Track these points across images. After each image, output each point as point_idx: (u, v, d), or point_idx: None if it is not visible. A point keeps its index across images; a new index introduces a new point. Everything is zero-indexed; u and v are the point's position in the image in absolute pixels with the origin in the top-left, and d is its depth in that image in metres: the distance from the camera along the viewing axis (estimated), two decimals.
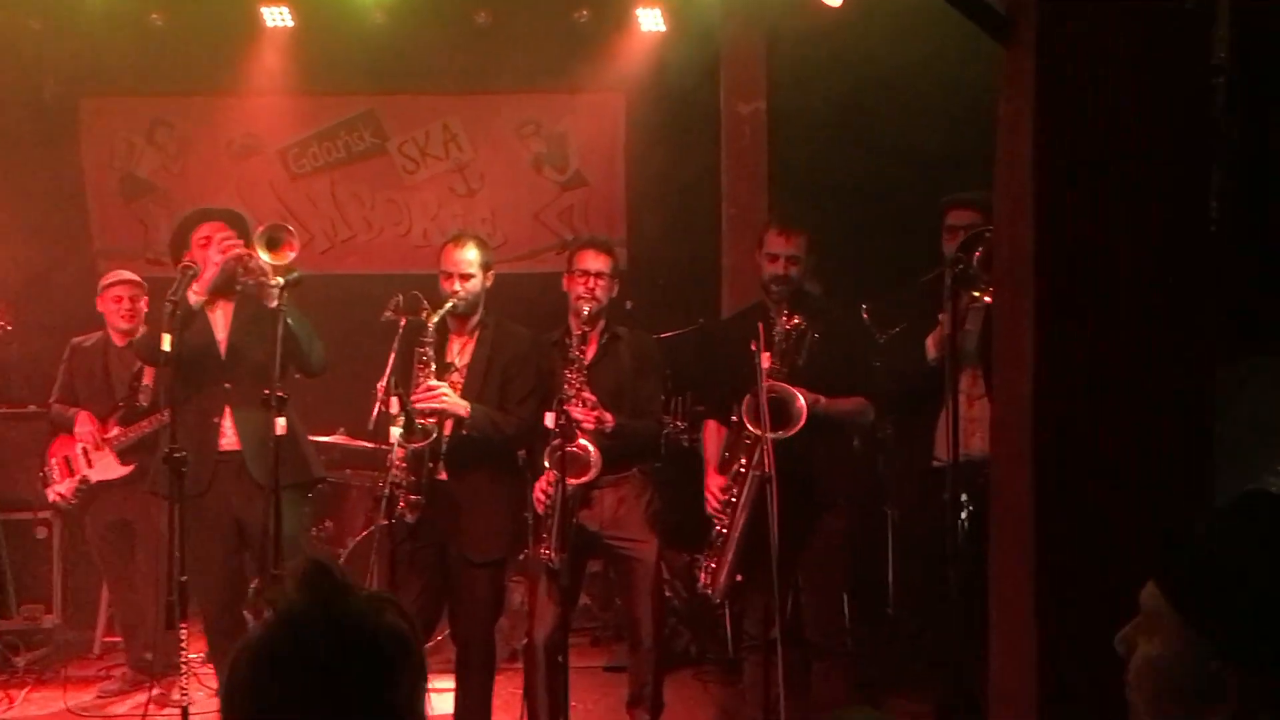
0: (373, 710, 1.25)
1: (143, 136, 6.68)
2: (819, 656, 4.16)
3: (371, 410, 5.39)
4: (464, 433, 4.00)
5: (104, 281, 5.34)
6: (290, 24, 6.06)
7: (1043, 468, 2.61)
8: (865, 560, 4.92)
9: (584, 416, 3.97)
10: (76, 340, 5.35)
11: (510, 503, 4.20)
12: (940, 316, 3.75)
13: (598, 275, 4.16)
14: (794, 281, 4.04)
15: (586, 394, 4.02)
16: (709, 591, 4.12)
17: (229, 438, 4.12)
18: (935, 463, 4.07)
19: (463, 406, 3.96)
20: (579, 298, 4.13)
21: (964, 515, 3.69)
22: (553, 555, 3.91)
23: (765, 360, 3.75)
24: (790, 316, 3.89)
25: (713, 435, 4.31)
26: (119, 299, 5.24)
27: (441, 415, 3.96)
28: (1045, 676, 2.60)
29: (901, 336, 4.48)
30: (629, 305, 5.45)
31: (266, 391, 3.64)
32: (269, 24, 6.07)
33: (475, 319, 4.17)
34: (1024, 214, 2.63)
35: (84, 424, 5.17)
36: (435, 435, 3.93)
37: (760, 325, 3.83)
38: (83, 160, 6.66)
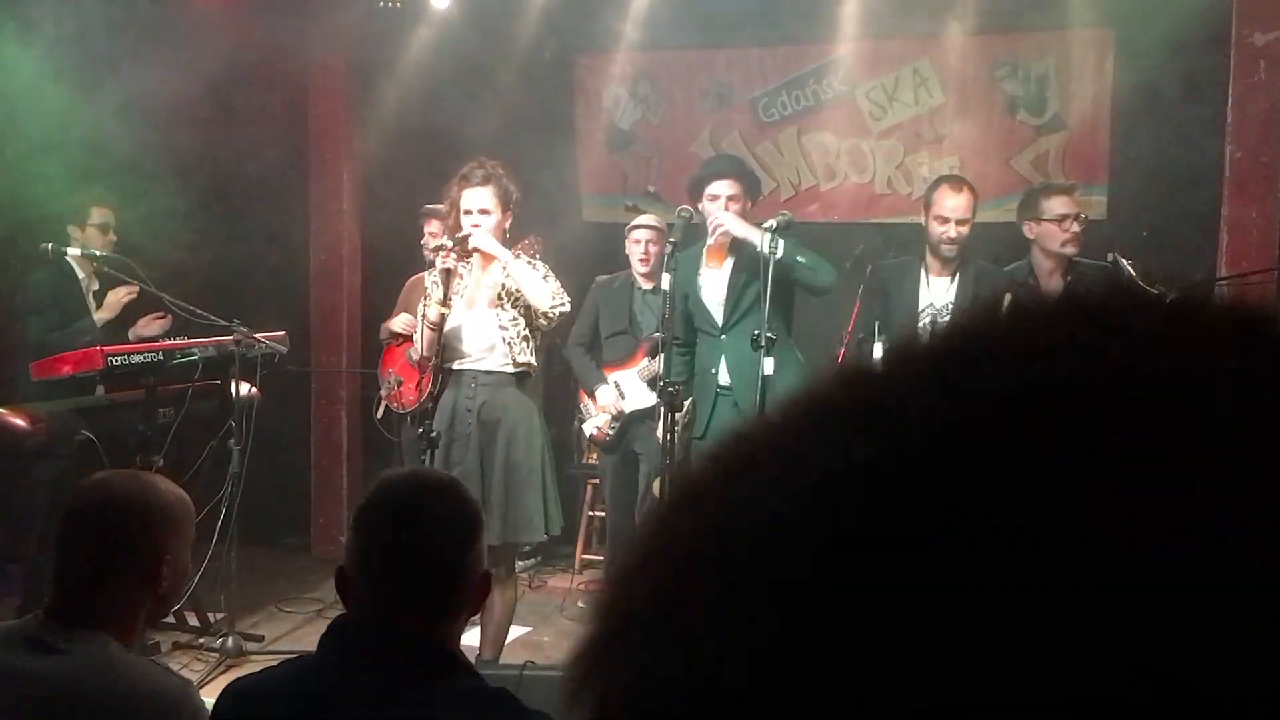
0: None
1: (627, 90, 7.10)
2: None
3: (836, 356, 5.47)
4: None
5: (630, 224, 5.65)
6: None
7: None
8: None
9: None
10: (602, 279, 5.73)
11: None
12: None
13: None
14: None
15: None
16: None
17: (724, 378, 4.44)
18: None
19: None
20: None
21: None
22: None
23: None
24: None
25: None
26: (638, 241, 5.54)
27: None
28: None
29: None
30: (1110, 258, 5.11)
31: (756, 332, 3.75)
32: None
33: (956, 260, 4.28)
34: None
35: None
36: None
37: None
38: (575, 113, 7.19)
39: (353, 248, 6.72)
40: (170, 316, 5.27)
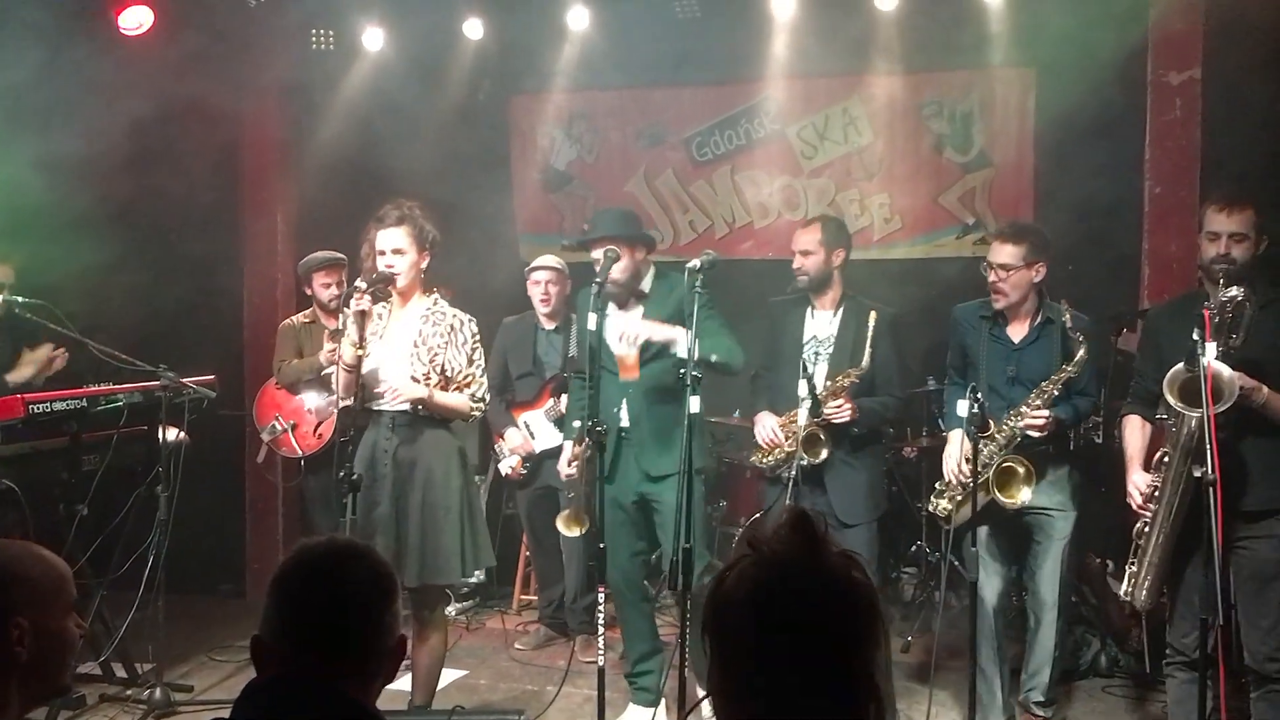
0: (839, 665, 1.28)
1: (562, 130, 7.15)
2: (1257, 684, 3.76)
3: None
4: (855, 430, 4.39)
5: (529, 266, 5.74)
6: (697, 15, 6.23)
7: None
8: None
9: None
10: (508, 320, 5.80)
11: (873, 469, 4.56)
12: None
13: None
14: (1238, 262, 3.66)
15: None
16: (1130, 600, 3.84)
17: (624, 419, 4.50)
18: None
19: (851, 411, 4.32)
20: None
21: None
22: None
23: (1210, 349, 3.42)
24: (1227, 286, 3.53)
25: (1136, 430, 4.02)
26: (537, 283, 5.60)
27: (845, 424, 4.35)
28: None
29: None
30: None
31: (682, 371, 3.77)
32: (679, 15, 6.26)
33: (831, 294, 4.48)
34: None
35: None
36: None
37: (1205, 313, 3.49)
38: (510, 153, 7.22)
39: (286, 290, 6.67)
40: (64, 351, 5.15)
